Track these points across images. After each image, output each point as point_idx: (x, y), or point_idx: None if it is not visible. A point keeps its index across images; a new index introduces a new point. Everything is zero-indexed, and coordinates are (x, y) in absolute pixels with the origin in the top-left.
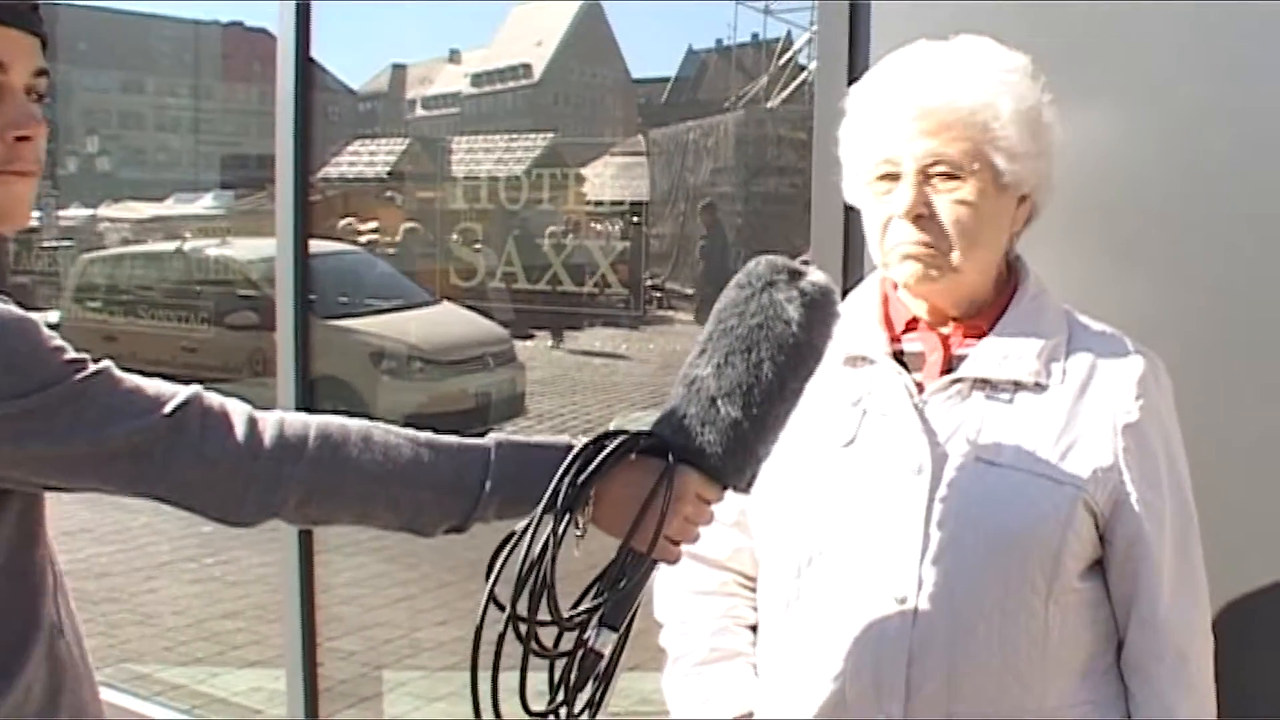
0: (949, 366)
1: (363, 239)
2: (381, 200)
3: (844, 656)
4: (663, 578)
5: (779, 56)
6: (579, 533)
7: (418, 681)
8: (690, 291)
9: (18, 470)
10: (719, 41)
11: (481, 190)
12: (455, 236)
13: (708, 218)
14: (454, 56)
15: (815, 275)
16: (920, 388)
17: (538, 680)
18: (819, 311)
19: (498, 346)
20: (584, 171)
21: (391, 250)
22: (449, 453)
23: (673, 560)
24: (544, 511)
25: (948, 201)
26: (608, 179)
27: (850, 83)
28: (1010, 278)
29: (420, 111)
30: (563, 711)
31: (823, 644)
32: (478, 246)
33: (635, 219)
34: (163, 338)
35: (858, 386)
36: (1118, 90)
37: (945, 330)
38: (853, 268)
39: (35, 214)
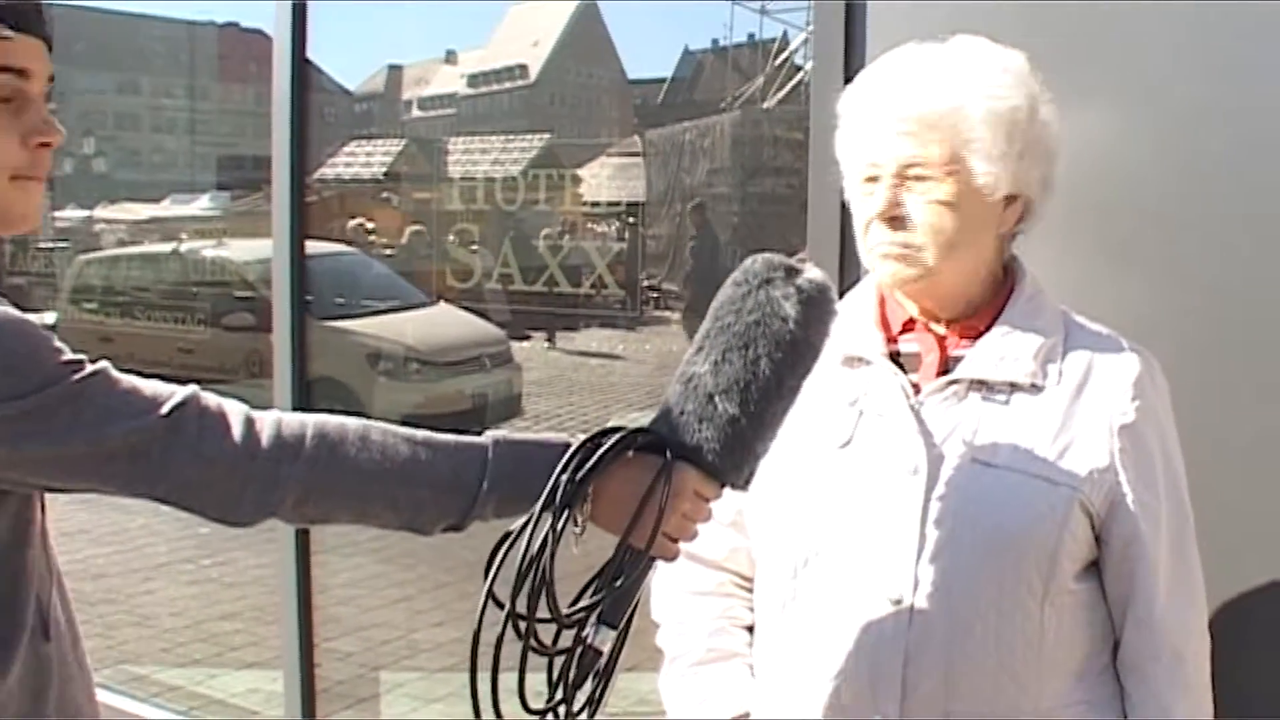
0: (945, 367)
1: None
2: (378, 201)
3: (840, 657)
4: (660, 578)
5: (775, 57)
6: (577, 530)
7: (415, 682)
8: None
9: (15, 471)
10: (715, 42)
11: (478, 191)
12: (452, 237)
13: (697, 218)
14: (450, 57)
15: (812, 272)
16: (917, 388)
17: (536, 681)
18: (816, 309)
19: (494, 347)
20: (580, 172)
21: (388, 251)
22: (446, 451)
23: (671, 557)
24: (542, 509)
25: (922, 203)
26: (604, 180)
27: (846, 83)
28: (1007, 278)
29: (416, 112)
30: (562, 709)
31: (819, 644)
32: (474, 247)
33: (631, 220)
34: (159, 339)
35: (854, 387)
36: (1114, 90)
37: (941, 331)
38: (849, 268)
39: None
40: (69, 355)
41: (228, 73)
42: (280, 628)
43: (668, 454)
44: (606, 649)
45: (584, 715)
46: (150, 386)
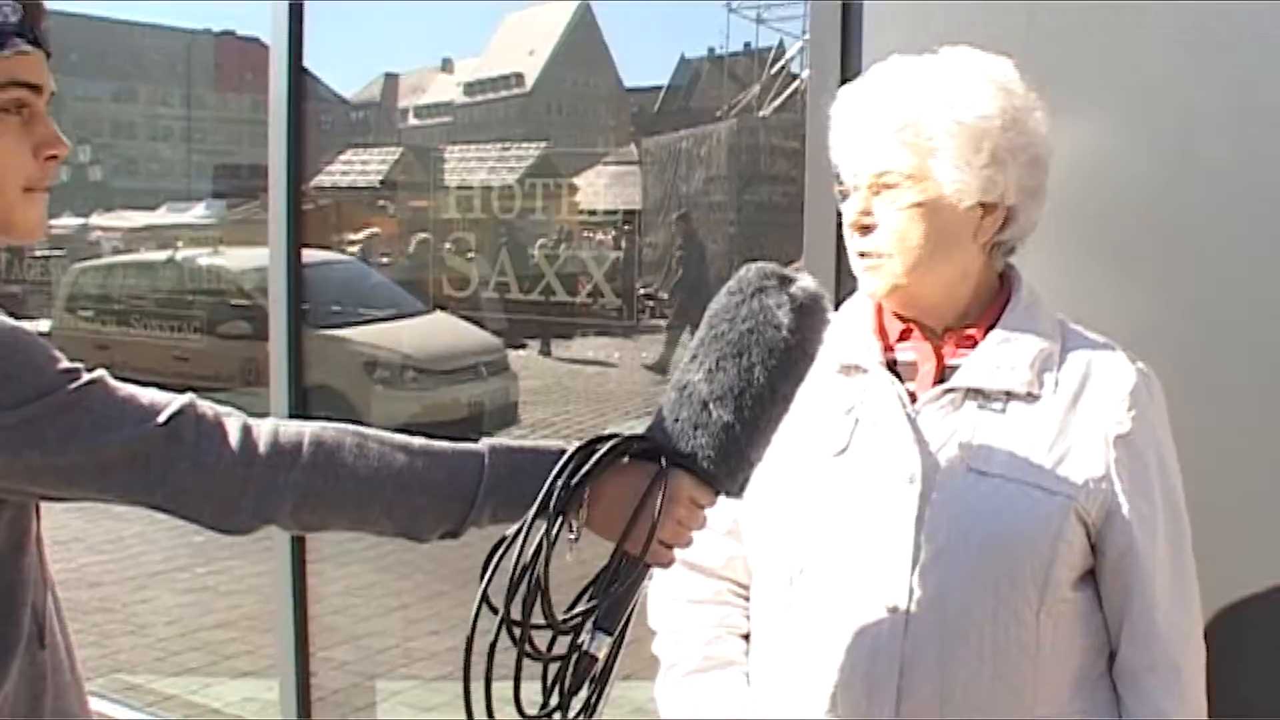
0: (942, 376)
1: (355, 248)
2: (374, 209)
3: (836, 665)
4: (656, 586)
5: (771, 65)
6: (572, 536)
7: (411, 691)
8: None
9: (13, 480)
10: (711, 50)
11: (474, 199)
12: (448, 246)
13: (683, 227)
14: (446, 65)
15: (805, 281)
16: (913, 397)
17: (531, 691)
18: (809, 316)
19: (490, 356)
20: (576, 181)
21: (384, 259)
22: (443, 458)
23: (666, 564)
24: (537, 514)
25: (890, 211)
26: (600, 188)
27: None
28: (1003, 287)
29: (413, 120)
30: (557, 716)
31: (815, 652)
32: (471, 256)
33: (628, 228)
34: (155, 347)
35: (851, 395)
36: (1111, 96)
37: (938, 340)
38: (845, 277)
39: None
40: (66, 364)
41: (224, 81)
42: (276, 636)
43: (663, 461)
44: (602, 655)
45: None
46: (147, 395)
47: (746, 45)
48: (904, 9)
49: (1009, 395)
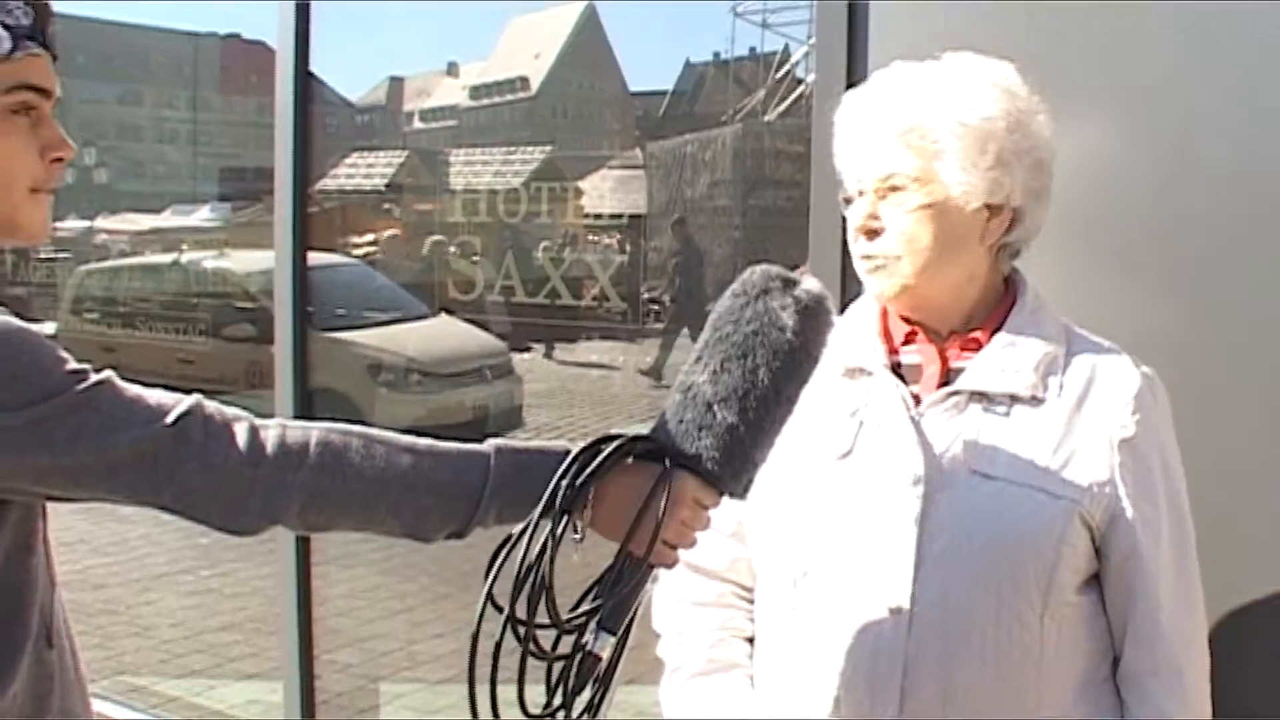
0: (946, 379)
1: (375, 250)
2: (379, 213)
3: (839, 667)
4: (661, 589)
5: (776, 69)
6: (577, 536)
7: (415, 694)
8: (702, 301)
9: (21, 480)
10: (716, 55)
11: (480, 203)
12: (453, 249)
13: (681, 232)
14: (452, 69)
15: (809, 283)
16: (917, 400)
17: (535, 693)
18: (813, 319)
19: (495, 359)
20: (582, 184)
21: (389, 262)
22: (449, 458)
23: (670, 564)
24: (542, 513)
25: (898, 214)
26: (605, 192)
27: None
28: (1008, 291)
29: (418, 124)
30: (560, 715)
31: (819, 655)
32: (476, 259)
33: (633, 232)
34: (160, 349)
35: (855, 398)
36: (1114, 98)
37: (943, 343)
38: (851, 280)
39: None
40: (74, 365)
41: (229, 84)
42: (280, 639)
43: (667, 461)
44: (606, 655)
45: None
46: (155, 395)
47: (752, 50)
48: (910, 12)
49: (1013, 398)
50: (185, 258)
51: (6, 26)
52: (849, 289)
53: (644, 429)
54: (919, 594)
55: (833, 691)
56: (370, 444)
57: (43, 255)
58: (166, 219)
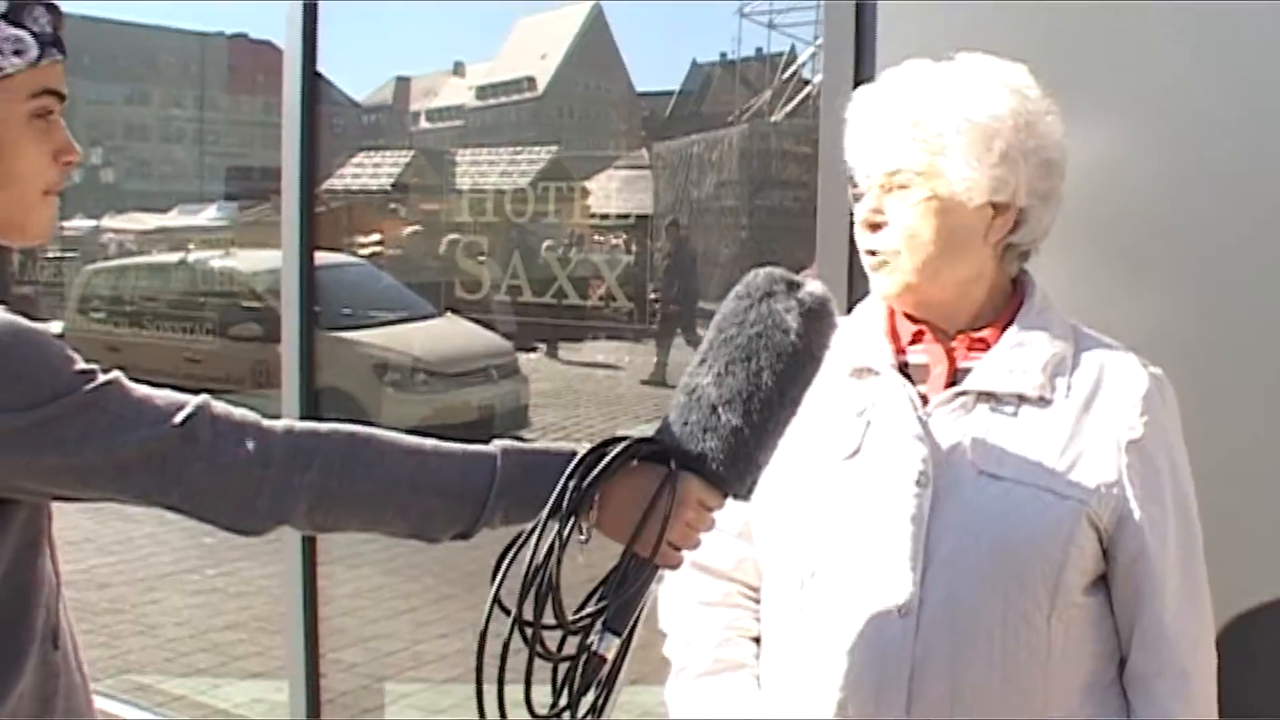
0: (954, 379)
1: (365, 251)
2: (386, 212)
3: (846, 668)
4: (668, 588)
5: (783, 70)
6: (583, 537)
7: (420, 694)
8: (697, 305)
9: (30, 480)
10: (723, 55)
11: (486, 203)
12: (460, 249)
13: (674, 234)
14: (458, 69)
15: (813, 286)
16: (925, 400)
17: (542, 694)
18: (817, 321)
19: (501, 359)
20: (588, 184)
21: (395, 262)
22: (455, 459)
23: (675, 566)
24: (549, 515)
25: (901, 209)
26: (612, 192)
27: None
28: (1016, 291)
29: (425, 124)
30: (566, 716)
31: (825, 656)
32: (482, 259)
33: (639, 232)
34: (166, 349)
35: (862, 398)
36: (1124, 99)
37: (950, 343)
38: (858, 280)
39: None
40: (82, 365)
41: (236, 83)
42: (285, 638)
43: (672, 463)
44: (611, 656)
45: None
46: (163, 396)
47: (758, 50)
48: (917, 12)
49: (1021, 399)
50: (192, 257)
51: (34, 34)
52: (855, 289)
53: (650, 430)
54: (926, 594)
55: (840, 692)
56: (378, 445)
57: (50, 254)
58: (173, 218)
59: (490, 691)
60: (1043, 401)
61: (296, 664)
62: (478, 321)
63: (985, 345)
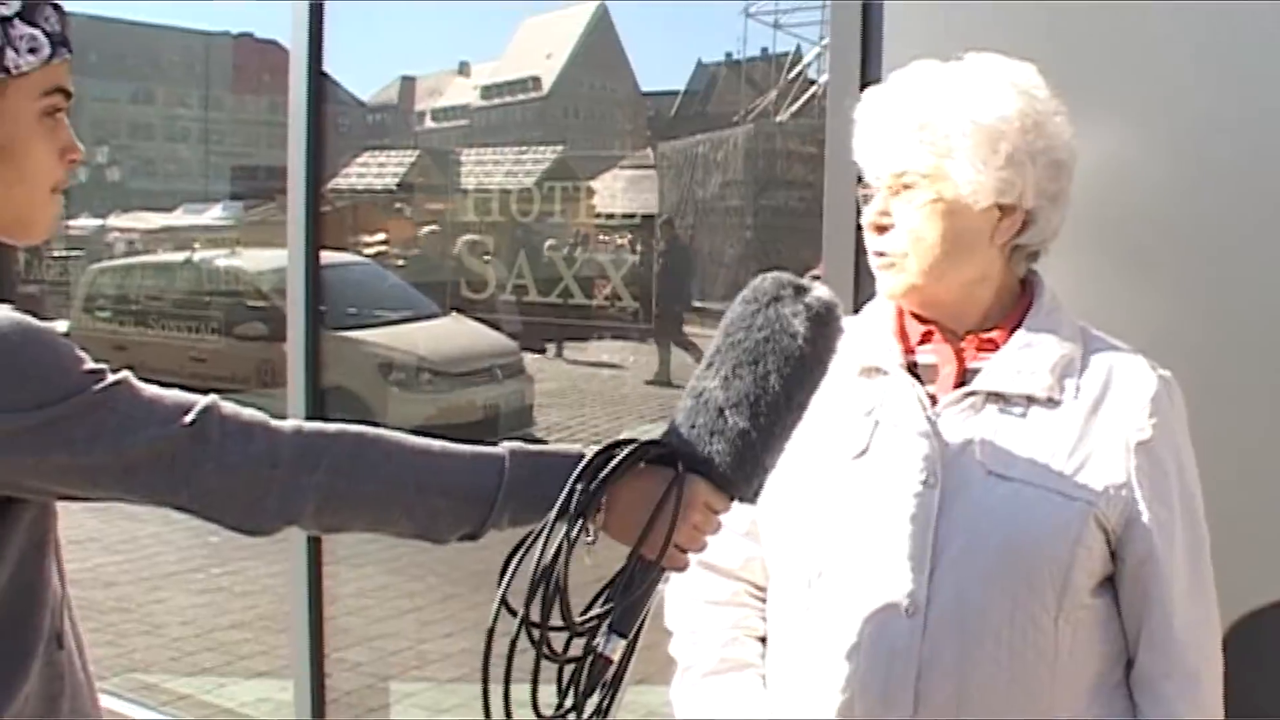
0: (962, 379)
1: (370, 250)
2: (391, 212)
3: (853, 668)
4: (674, 587)
5: (789, 70)
6: (590, 539)
7: (425, 693)
8: (700, 305)
9: (39, 480)
10: (729, 55)
11: (492, 202)
12: (465, 248)
13: (668, 233)
14: (464, 69)
15: (820, 291)
16: (933, 400)
17: (547, 694)
18: (824, 326)
19: (506, 358)
20: (594, 184)
21: (401, 262)
22: (463, 460)
23: (681, 568)
24: (556, 517)
25: (907, 211)
26: (617, 192)
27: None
28: (1025, 292)
29: (430, 123)
30: (571, 717)
31: (832, 656)
32: (487, 258)
33: (645, 232)
34: (172, 348)
35: (871, 398)
36: (1131, 101)
37: (959, 343)
38: (865, 281)
39: None
40: (91, 364)
41: (242, 83)
42: (290, 637)
43: (679, 466)
44: (616, 658)
45: None
46: (172, 395)
47: (764, 50)
48: (923, 12)
49: (1030, 400)
50: (197, 256)
51: (46, 33)
52: (862, 289)
53: (656, 430)
54: (934, 595)
55: (847, 692)
56: (385, 446)
57: (55, 253)
58: (178, 217)
59: (496, 691)
60: (1051, 402)
61: (301, 663)
62: (483, 321)
63: (994, 346)
